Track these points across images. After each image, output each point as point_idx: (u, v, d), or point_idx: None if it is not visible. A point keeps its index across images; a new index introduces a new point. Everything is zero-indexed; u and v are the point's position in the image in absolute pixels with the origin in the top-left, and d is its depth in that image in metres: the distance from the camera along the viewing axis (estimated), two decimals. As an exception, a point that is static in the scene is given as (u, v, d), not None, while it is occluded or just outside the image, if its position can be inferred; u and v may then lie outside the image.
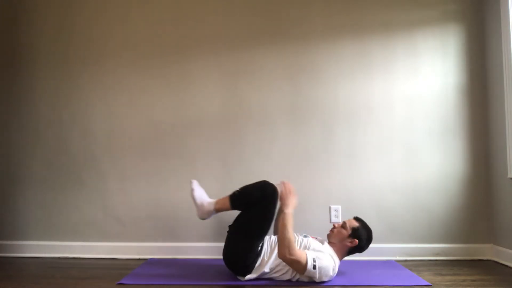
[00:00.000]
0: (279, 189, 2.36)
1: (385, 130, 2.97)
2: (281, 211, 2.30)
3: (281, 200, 2.33)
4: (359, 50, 3.01)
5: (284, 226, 2.21)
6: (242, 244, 2.30)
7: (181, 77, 3.05)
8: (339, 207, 2.93)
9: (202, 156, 3.00)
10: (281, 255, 2.19)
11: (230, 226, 2.42)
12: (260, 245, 2.34)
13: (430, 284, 2.26)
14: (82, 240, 2.98)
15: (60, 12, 3.11)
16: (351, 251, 2.39)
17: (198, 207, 2.44)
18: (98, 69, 3.07)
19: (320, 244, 2.36)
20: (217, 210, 2.43)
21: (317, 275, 2.18)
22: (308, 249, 2.27)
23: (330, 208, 2.93)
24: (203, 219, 2.49)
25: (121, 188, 3.00)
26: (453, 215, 2.91)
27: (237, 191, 2.42)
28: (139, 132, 3.03)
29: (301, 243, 2.33)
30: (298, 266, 2.18)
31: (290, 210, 2.28)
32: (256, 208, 2.33)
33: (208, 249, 2.90)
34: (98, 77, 3.07)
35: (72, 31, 3.10)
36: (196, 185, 2.49)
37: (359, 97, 2.99)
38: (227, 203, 2.40)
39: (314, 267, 2.16)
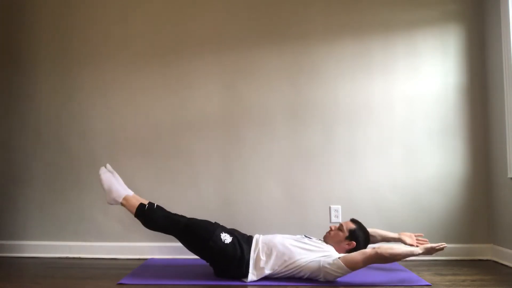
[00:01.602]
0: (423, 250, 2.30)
1: (385, 130, 2.97)
2: (414, 251, 2.25)
3: (432, 251, 2.29)
4: (359, 50, 3.01)
5: (403, 257, 2.23)
6: (210, 256, 2.32)
7: (181, 77, 3.05)
8: (339, 207, 2.93)
9: (202, 156, 3.00)
10: (379, 257, 2.17)
11: (210, 265, 2.42)
12: (226, 237, 2.32)
13: (430, 284, 2.26)
14: (82, 240, 2.98)
15: (60, 12, 3.11)
16: (348, 252, 2.38)
17: (105, 192, 2.42)
18: (98, 69, 3.07)
19: (326, 245, 2.37)
20: (122, 205, 2.42)
21: (342, 275, 2.24)
22: (318, 251, 2.29)
23: (330, 208, 2.93)
24: (110, 204, 2.46)
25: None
26: (453, 215, 2.91)
27: (151, 206, 2.41)
28: (139, 132, 3.03)
29: (305, 242, 2.33)
30: (361, 266, 2.20)
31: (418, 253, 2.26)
32: (178, 237, 2.38)
33: (208, 249, 2.90)
34: (98, 77, 3.07)
35: (71, 31, 3.10)
36: (105, 171, 2.46)
37: (359, 97, 2.99)
38: (133, 209, 2.39)
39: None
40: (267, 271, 2.28)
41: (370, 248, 2.24)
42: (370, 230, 2.55)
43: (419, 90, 2.98)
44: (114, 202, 2.44)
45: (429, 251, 2.28)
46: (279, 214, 2.94)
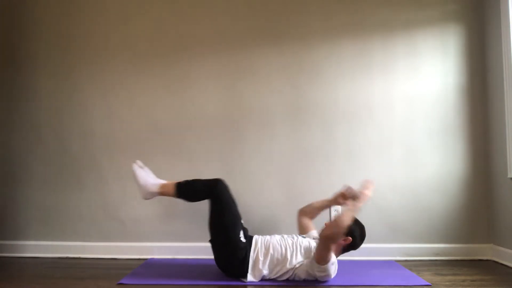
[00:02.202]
0: (366, 186, 2.29)
1: (385, 130, 2.97)
2: (354, 204, 2.22)
3: (360, 197, 2.25)
4: (359, 50, 3.01)
5: (349, 220, 2.16)
6: (222, 243, 2.33)
7: (181, 77, 3.05)
8: (339, 207, 2.93)
9: (202, 156, 3.00)
10: (326, 237, 2.13)
11: (210, 240, 2.43)
12: (243, 236, 2.35)
13: (429, 284, 2.26)
14: (82, 240, 2.98)
15: (61, 13, 3.11)
16: (345, 249, 2.38)
17: (141, 186, 2.44)
18: (98, 69, 3.07)
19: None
20: (161, 193, 2.44)
21: (328, 272, 2.20)
22: (311, 249, 2.28)
23: (330, 208, 2.93)
24: (146, 199, 2.49)
25: (121, 188, 2.99)
26: (453, 215, 2.91)
27: (186, 180, 2.44)
28: (139, 132, 3.03)
29: (301, 245, 2.33)
30: (326, 255, 2.17)
31: (358, 209, 2.22)
32: (212, 206, 2.38)
33: (208, 249, 2.87)
34: (98, 77, 3.07)
35: (72, 32, 3.10)
36: (137, 167, 2.49)
37: (359, 97, 2.99)
38: (172, 190, 2.42)
39: (333, 263, 2.19)
40: (265, 272, 2.29)
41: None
42: (304, 207, 2.63)
43: (419, 90, 2.98)
44: (150, 195, 2.46)
45: (355, 194, 2.29)
46: (279, 214, 2.94)
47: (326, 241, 2.13)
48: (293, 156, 2.98)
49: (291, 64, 3.02)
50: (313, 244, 2.34)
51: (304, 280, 2.28)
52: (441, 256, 2.88)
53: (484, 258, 2.87)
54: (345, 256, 2.68)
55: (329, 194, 2.94)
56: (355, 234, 2.36)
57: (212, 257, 2.82)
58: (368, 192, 2.26)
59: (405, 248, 2.91)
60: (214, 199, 2.39)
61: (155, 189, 2.43)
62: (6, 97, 3.09)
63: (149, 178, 2.47)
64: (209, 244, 2.87)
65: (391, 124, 2.97)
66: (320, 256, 2.18)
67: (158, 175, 2.97)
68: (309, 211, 2.65)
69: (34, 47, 3.10)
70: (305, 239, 2.40)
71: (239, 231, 2.37)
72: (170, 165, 2.99)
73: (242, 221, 2.45)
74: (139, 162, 2.52)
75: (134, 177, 2.47)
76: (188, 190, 2.43)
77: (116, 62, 3.07)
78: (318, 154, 2.97)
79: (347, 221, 2.14)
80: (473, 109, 2.97)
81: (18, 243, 2.99)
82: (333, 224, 2.16)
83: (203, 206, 2.62)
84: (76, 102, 3.06)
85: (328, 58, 3.01)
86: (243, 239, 2.35)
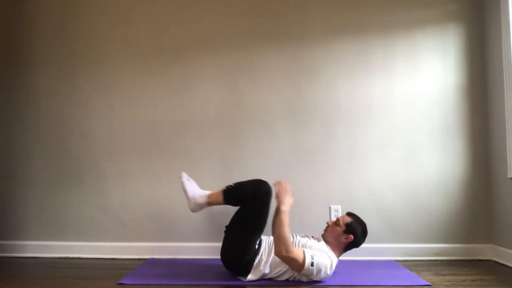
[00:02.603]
0: (274, 188, 2.35)
1: (385, 130, 2.97)
2: (277, 209, 2.28)
3: (277, 198, 2.31)
4: (359, 50, 3.01)
5: (280, 223, 2.21)
6: (238, 242, 2.31)
7: (181, 77, 3.05)
8: (339, 207, 2.93)
9: (202, 155, 3.00)
10: (277, 252, 2.18)
11: (227, 226, 2.43)
12: (257, 243, 2.35)
13: (430, 284, 2.26)
14: (82, 240, 2.98)
15: (60, 12, 3.11)
16: (348, 247, 2.38)
17: (190, 199, 2.42)
18: (98, 69, 3.07)
19: (317, 242, 2.36)
20: (209, 203, 2.41)
21: (315, 273, 2.17)
22: (305, 248, 2.27)
23: (330, 208, 2.93)
24: (194, 211, 2.47)
25: (121, 188, 2.99)
26: (453, 215, 2.91)
27: (231, 185, 2.42)
28: (139, 132, 3.03)
29: (298, 243, 2.33)
30: (295, 263, 2.17)
31: (286, 208, 2.26)
32: (250, 205, 2.32)
33: (208, 249, 2.90)
34: (98, 77, 3.07)
35: (72, 31, 3.10)
36: (186, 178, 2.47)
37: (359, 97, 2.99)
38: (220, 197, 2.39)
39: (312, 264, 2.16)
40: (266, 271, 2.29)
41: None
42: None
43: (419, 90, 2.98)
44: (199, 207, 2.42)
45: (277, 196, 2.31)
46: (279, 214, 2.94)
47: (281, 256, 2.16)
48: (293, 156, 2.98)
49: (291, 64, 3.02)
50: (311, 242, 2.34)
51: (306, 280, 2.28)
52: (441, 256, 2.88)
53: (484, 258, 2.87)
54: (345, 256, 2.68)
55: (329, 194, 2.96)
56: (356, 232, 2.36)
57: (212, 257, 2.83)
58: (282, 192, 2.30)
59: (405, 248, 2.91)
60: (259, 201, 2.31)
61: (203, 200, 2.40)
62: (6, 98, 3.09)
63: (196, 189, 2.44)
64: (209, 245, 2.89)
65: (391, 124, 2.97)
66: (291, 266, 2.20)
67: (158, 175, 2.99)
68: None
69: (34, 48, 3.10)
70: (304, 238, 2.40)
71: (258, 238, 2.36)
72: (170, 164, 2.99)
73: (265, 236, 2.43)
74: (185, 174, 2.49)
75: (183, 189, 2.44)
76: (237, 195, 2.38)
77: (116, 62, 3.07)
78: (318, 154, 2.97)
79: (280, 227, 2.19)
80: (473, 109, 2.97)
81: (18, 243, 2.99)
82: (275, 238, 2.20)
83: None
84: (76, 102, 3.06)
85: (328, 58, 3.01)
86: (256, 246, 2.34)
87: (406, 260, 2.86)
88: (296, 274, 2.26)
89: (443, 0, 3.02)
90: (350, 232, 2.35)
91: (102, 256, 2.94)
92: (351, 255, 2.79)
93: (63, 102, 3.07)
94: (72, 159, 3.03)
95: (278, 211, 2.27)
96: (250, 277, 2.29)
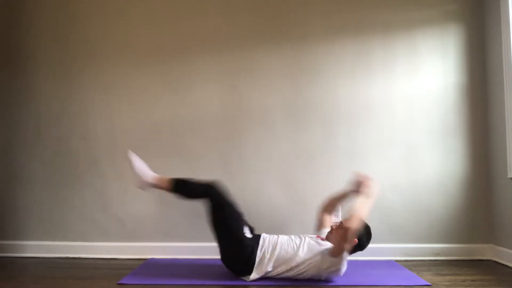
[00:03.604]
0: (363, 181, 2.35)
1: (385, 130, 2.97)
2: (369, 194, 2.29)
3: (369, 188, 2.32)
4: (359, 50, 3.01)
5: (367, 207, 2.25)
6: (229, 241, 2.34)
7: (181, 77, 3.05)
8: (339, 207, 2.92)
9: (202, 155, 3.00)
10: (346, 226, 2.16)
11: (217, 240, 2.44)
12: (249, 232, 2.36)
13: (430, 284, 2.26)
14: (82, 240, 2.98)
15: (60, 12, 3.11)
16: (352, 250, 2.38)
17: (137, 175, 2.47)
18: (98, 69, 3.07)
19: (326, 243, 2.37)
20: (155, 186, 2.46)
21: (340, 266, 2.22)
22: (317, 249, 2.29)
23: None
24: (141, 188, 2.51)
25: (121, 188, 2.99)
26: (453, 215, 2.91)
27: (184, 178, 2.46)
28: (139, 131, 3.03)
29: (307, 244, 2.33)
30: (343, 246, 2.18)
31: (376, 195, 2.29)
32: (212, 206, 2.39)
33: (208, 249, 2.90)
34: (98, 76, 3.07)
35: (71, 31, 3.10)
36: (134, 156, 2.50)
37: (359, 97, 2.99)
38: (168, 183, 2.43)
39: (345, 257, 2.22)
40: (269, 269, 2.29)
41: (339, 227, 2.31)
42: (324, 202, 2.61)
43: (419, 90, 2.98)
44: (145, 185, 2.47)
45: (360, 185, 2.35)
46: (280, 214, 2.94)
47: (347, 232, 2.15)
48: (293, 156, 2.98)
49: (291, 64, 3.02)
50: (318, 247, 2.33)
51: (308, 280, 2.28)
52: (441, 256, 2.88)
53: (484, 258, 2.87)
54: (348, 256, 2.68)
55: (328, 194, 2.95)
56: (361, 236, 2.36)
57: (212, 257, 2.84)
58: (369, 180, 2.34)
59: (405, 248, 2.91)
60: (211, 198, 2.39)
61: (150, 179, 2.45)
62: (6, 98, 3.09)
63: (145, 167, 2.49)
64: (209, 244, 2.89)
65: (391, 124, 2.97)
66: (338, 247, 2.20)
67: (158, 174, 2.98)
68: (328, 205, 2.63)
69: (34, 48, 3.10)
70: (312, 239, 2.39)
71: (243, 227, 2.38)
72: (170, 164, 2.99)
73: (245, 218, 2.45)
74: (132, 154, 2.52)
75: (129, 164, 2.48)
76: (185, 185, 2.44)
77: (115, 62, 3.07)
78: (318, 154, 2.97)
79: (366, 208, 2.24)
80: (473, 109, 2.97)
81: (18, 243, 2.99)
82: (353, 214, 2.18)
83: (200, 207, 2.63)
84: (76, 102, 3.06)
85: (328, 58, 3.01)
86: (248, 235, 2.36)
87: (406, 260, 2.86)
88: (303, 271, 2.26)
89: (443, 0, 3.01)
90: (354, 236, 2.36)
91: (102, 256, 2.94)
92: (351, 255, 2.78)
93: (63, 102, 3.07)
94: (72, 159, 3.03)
95: (369, 196, 2.29)
96: (253, 275, 2.29)
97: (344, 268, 2.26)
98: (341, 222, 2.43)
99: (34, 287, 2.22)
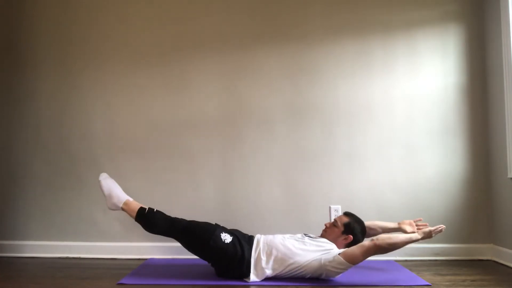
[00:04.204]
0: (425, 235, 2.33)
1: (385, 130, 2.97)
2: (412, 237, 2.26)
3: (431, 234, 2.32)
4: (359, 50, 3.01)
5: (405, 244, 2.24)
6: (211, 256, 2.34)
7: (181, 77, 3.05)
8: (339, 207, 2.93)
9: (202, 155, 3.00)
10: (378, 248, 2.16)
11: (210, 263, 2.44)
12: (225, 236, 2.33)
13: (430, 284, 2.26)
14: (82, 240, 2.98)
15: (60, 12, 3.11)
16: (348, 247, 2.37)
17: (106, 197, 2.47)
18: (98, 69, 3.07)
19: (327, 242, 2.37)
20: (123, 209, 2.46)
21: (343, 271, 2.22)
22: (318, 249, 2.28)
23: (330, 208, 2.93)
24: (111, 209, 2.51)
25: (121, 188, 2.98)
26: (453, 215, 2.91)
27: (151, 208, 2.45)
28: (139, 131, 3.03)
29: (307, 244, 2.32)
30: (361, 259, 2.18)
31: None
32: (180, 240, 2.41)
33: (208, 249, 2.90)
34: (98, 77, 3.07)
35: (71, 31, 3.10)
36: (104, 177, 2.51)
37: (359, 97, 2.99)
38: (134, 211, 2.43)
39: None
40: (268, 271, 2.28)
41: (369, 240, 2.22)
42: (369, 223, 2.55)
43: (419, 90, 2.98)
44: (114, 207, 2.47)
45: (428, 235, 2.30)
46: (279, 214, 2.94)
47: (375, 249, 2.16)
48: (293, 156, 2.98)
49: (291, 64, 3.02)
50: (315, 245, 2.33)
51: (308, 280, 2.28)
52: (441, 256, 2.88)
53: (484, 258, 2.87)
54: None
55: (329, 194, 2.95)
56: (355, 232, 2.36)
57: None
58: (434, 234, 2.33)
59: (405, 248, 2.89)
60: (175, 235, 2.40)
61: (119, 203, 2.45)
62: (6, 98, 3.09)
63: (116, 189, 2.48)
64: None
65: (391, 124, 2.97)
66: (358, 257, 2.18)
67: (158, 175, 2.99)
68: (373, 229, 2.58)
69: (33, 47, 3.10)
70: (313, 240, 2.39)
71: (216, 234, 2.33)
72: (170, 164, 2.99)
73: (215, 223, 2.46)
74: (104, 175, 2.53)
75: (100, 186, 2.48)
76: (148, 218, 2.41)
77: (115, 62, 3.07)
78: (318, 154, 2.97)
79: (400, 246, 2.22)
80: (473, 109, 2.97)
81: (18, 243, 2.99)
82: (394, 242, 2.19)
83: (203, 207, 2.63)
84: (76, 102, 3.06)
85: (328, 58, 3.01)
86: (228, 240, 2.32)
87: (406, 260, 2.86)
88: (303, 271, 2.25)
89: (443, 0, 3.01)
90: (349, 232, 2.35)
91: (102, 256, 2.94)
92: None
93: (63, 102, 3.07)
94: (72, 159, 3.03)
95: (418, 238, 2.28)
96: (253, 277, 2.28)
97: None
98: (335, 220, 2.43)
99: (34, 287, 2.21)
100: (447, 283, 2.29)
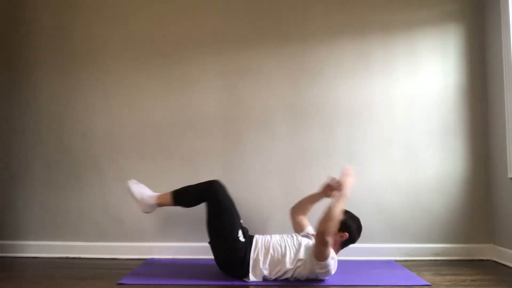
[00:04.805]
0: (345, 177, 2.29)
1: (385, 130, 2.97)
2: (341, 195, 2.21)
3: (345, 185, 2.25)
4: (359, 50, 3.01)
5: (339, 210, 2.16)
6: (222, 244, 2.34)
7: (181, 77, 3.05)
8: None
9: (202, 156, 3.00)
10: (320, 233, 2.12)
11: (209, 242, 2.44)
12: (241, 235, 2.35)
13: (430, 284, 2.26)
14: (82, 240, 2.98)
15: (60, 12, 3.11)
16: (344, 244, 2.37)
17: (138, 201, 2.47)
18: (98, 69, 3.07)
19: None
20: (159, 204, 2.47)
21: (328, 268, 2.19)
22: (311, 247, 2.28)
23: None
24: (146, 212, 2.51)
25: (121, 188, 2.99)
26: (453, 215, 2.91)
27: (181, 188, 2.48)
28: (139, 132, 3.03)
29: (300, 243, 2.33)
30: (325, 251, 2.15)
31: (348, 194, 2.23)
32: (209, 208, 2.39)
33: (208, 249, 2.89)
34: (98, 77, 3.07)
35: (72, 31, 3.10)
36: (132, 183, 2.52)
37: (359, 97, 2.99)
38: (169, 198, 2.44)
39: (332, 258, 2.19)
40: (265, 272, 2.29)
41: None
42: (295, 206, 2.63)
43: (419, 90, 2.98)
44: (149, 209, 2.48)
45: (338, 187, 2.30)
46: (279, 214, 2.93)
47: (322, 236, 2.12)
48: (293, 156, 2.98)
49: (291, 64, 3.02)
50: (312, 242, 2.34)
51: (306, 279, 2.28)
52: (441, 256, 2.88)
53: (484, 258, 2.87)
54: (345, 256, 2.69)
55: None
56: (351, 229, 2.35)
57: (212, 257, 2.83)
58: (349, 178, 2.27)
59: (405, 248, 2.91)
60: (210, 200, 2.40)
61: (152, 201, 2.46)
62: (6, 98, 3.09)
63: (145, 191, 2.49)
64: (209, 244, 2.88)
65: (391, 124, 2.97)
66: (319, 252, 2.17)
67: (158, 175, 2.99)
68: (301, 208, 2.65)
69: (34, 48, 3.10)
70: (304, 237, 2.40)
71: (238, 230, 2.37)
72: (170, 165, 2.99)
73: (242, 221, 2.45)
74: (132, 181, 2.53)
75: (130, 193, 2.49)
76: (185, 195, 2.45)
77: (115, 62, 3.07)
78: (318, 154, 2.97)
79: (338, 212, 2.15)
80: (473, 109, 2.97)
81: (18, 243, 2.99)
82: (325, 218, 2.15)
83: (203, 207, 2.61)
84: (76, 102, 3.06)
85: (328, 58, 3.01)
86: (242, 239, 2.35)
87: (406, 260, 2.86)
88: (296, 272, 2.26)
89: (443, 0, 3.01)
90: (345, 229, 2.34)
91: (102, 256, 2.94)
92: (351, 255, 2.79)
93: (63, 102, 3.07)
94: (72, 159, 3.03)
95: (340, 196, 2.21)
96: (252, 277, 2.29)
97: (332, 268, 2.22)
98: None
99: (34, 287, 2.21)
100: (447, 283, 2.29)
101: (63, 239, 2.99)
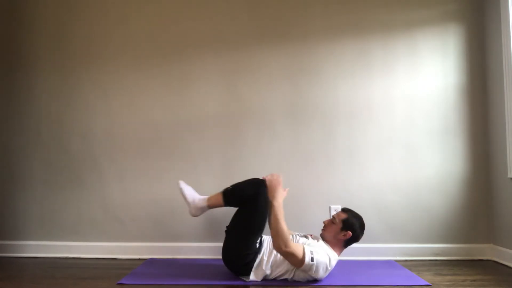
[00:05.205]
0: (267, 182, 2.34)
1: (385, 130, 2.97)
2: (270, 204, 2.24)
3: (269, 192, 2.28)
4: (359, 50, 3.01)
5: (275, 218, 2.18)
6: (239, 241, 2.31)
7: (181, 77, 3.05)
8: (339, 207, 2.92)
9: (201, 155, 3.00)
10: (277, 248, 2.17)
11: (227, 226, 2.43)
12: (258, 242, 2.34)
13: (430, 284, 2.26)
14: (82, 240, 2.98)
15: (60, 12, 3.11)
16: (348, 243, 2.38)
17: (190, 204, 2.45)
18: (98, 69, 3.07)
19: (316, 241, 2.36)
20: (210, 206, 2.44)
21: (314, 268, 2.16)
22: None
23: (330, 208, 2.93)
24: (196, 216, 2.49)
25: (121, 188, 3.00)
26: (453, 215, 2.92)
27: (229, 187, 2.44)
28: (139, 131, 3.03)
29: (297, 242, 2.33)
30: (295, 259, 2.15)
31: (279, 202, 2.23)
32: (250, 204, 2.33)
33: (208, 249, 2.90)
34: (98, 77, 3.07)
35: (72, 32, 3.10)
36: (183, 185, 2.51)
37: (359, 97, 2.99)
38: (220, 199, 2.41)
39: (312, 259, 2.15)
40: (267, 272, 2.29)
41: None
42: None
43: (419, 90, 2.98)
44: (200, 211, 2.46)
45: (269, 190, 2.29)
46: (279, 214, 2.94)
47: (281, 251, 2.15)
48: (293, 156, 2.98)
49: (291, 64, 3.02)
50: (309, 241, 2.34)
51: (306, 281, 2.28)
52: (441, 256, 2.88)
53: (484, 258, 2.87)
54: (345, 256, 2.69)
55: (328, 194, 2.96)
56: (354, 227, 2.35)
57: (212, 257, 2.84)
58: (275, 187, 2.27)
59: (405, 248, 2.91)
60: (259, 193, 2.32)
61: (203, 203, 2.43)
62: (6, 98, 3.09)
63: (195, 194, 2.48)
64: (209, 245, 2.89)
65: (391, 124, 2.97)
66: (291, 262, 2.19)
67: (158, 175, 2.99)
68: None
69: (34, 48, 3.10)
70: (303, 238, 2.40)
71: (259, 237, 2.36)
72: (170, 164, 2.99)
73: (267, 236, 2.42)
74: (182, 182, 2.53)
75: (182, 195, 2.48)
76: (236, 195, 2.39)
77: (116, 62, 3.07)
78: (318, 154, 2.97)
79: (275, 223, 2.16)
80: (473, 109, 2.97)
81: (18, 243, 2.99)
82: (272, 234, 2.18)
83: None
84: (76, 102, 3.06)
85: (328, 58, 3.01)
86: (257, 245, 2.33)
87: (406, 260, 2.86)
88: (295, 274, 2.26)
89: (443, 0, 3.02)
90: (348, 228, 2.34)
91: (102, 256, 2.94)
92: (351, 255, 2.79)
93: (63, 102, 3.07)
94: (72, 159, 3.03)
95: (271, 206, 2.24)
96: (252, 277, 2.28)
97: (321, 268, 2.19)
98: (333, 217, 2.43)
99: (34, 287, 2.21)
100: (447, 283, 2.29)
101: (63, 239, 2.99)
